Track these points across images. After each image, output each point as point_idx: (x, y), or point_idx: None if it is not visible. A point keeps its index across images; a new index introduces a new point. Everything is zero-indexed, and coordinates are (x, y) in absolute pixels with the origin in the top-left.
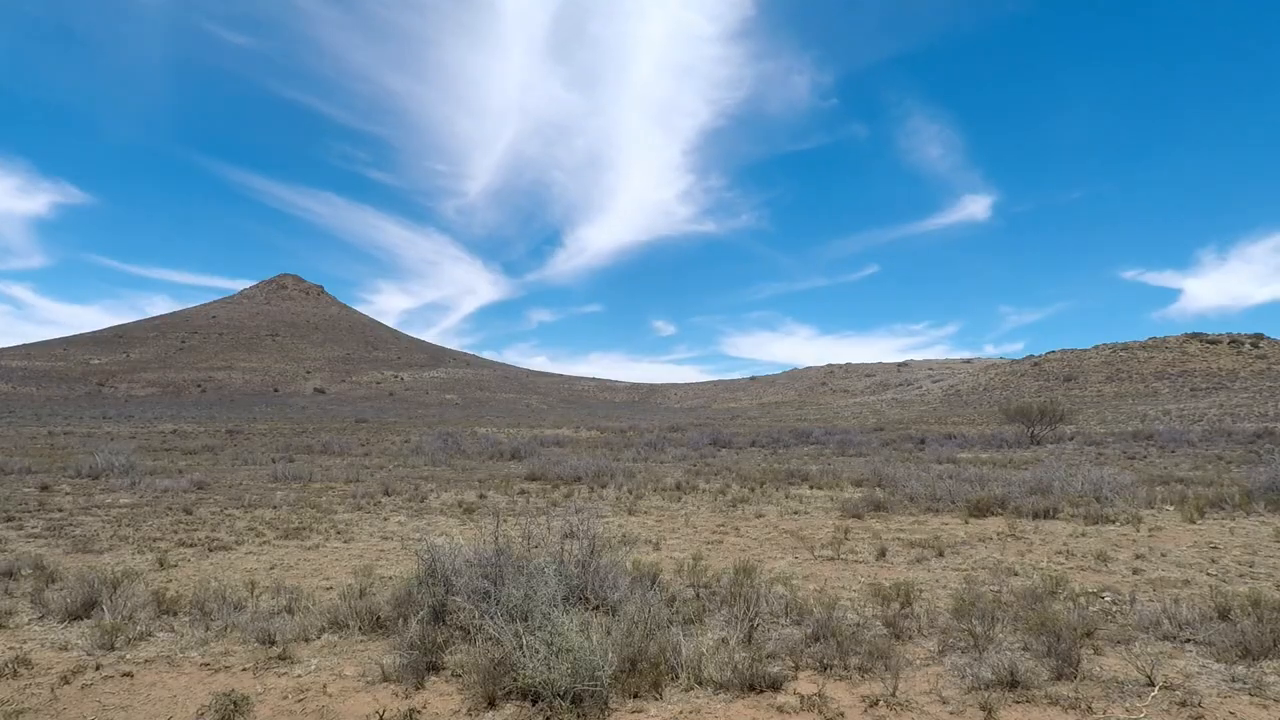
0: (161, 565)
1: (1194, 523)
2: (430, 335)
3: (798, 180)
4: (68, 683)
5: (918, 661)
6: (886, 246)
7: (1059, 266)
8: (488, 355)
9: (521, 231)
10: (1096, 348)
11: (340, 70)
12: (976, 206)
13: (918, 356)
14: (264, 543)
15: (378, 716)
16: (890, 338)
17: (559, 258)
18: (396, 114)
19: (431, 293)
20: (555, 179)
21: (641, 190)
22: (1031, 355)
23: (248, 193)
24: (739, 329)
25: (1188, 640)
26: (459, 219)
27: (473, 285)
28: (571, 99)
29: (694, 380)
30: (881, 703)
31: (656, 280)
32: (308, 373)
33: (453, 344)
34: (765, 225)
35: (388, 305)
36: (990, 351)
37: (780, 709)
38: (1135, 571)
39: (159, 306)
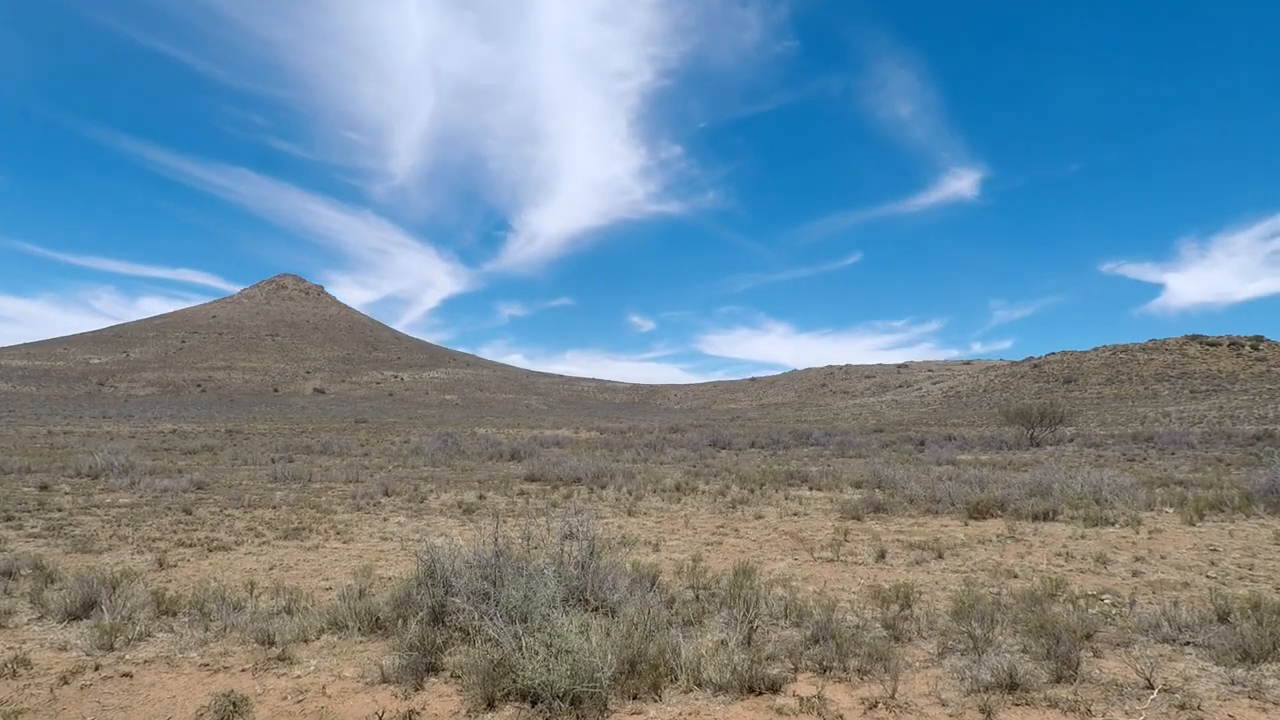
0: (161, 565)
1: (1194, 525)
2: (396, 330)
3: (761, 150)
4: (67, 683)
5: (917, 664)
6: (866, 230)
7: (1049, 256)
8: (461, 351)
9: (466, 216)
10: (1096, 349)
11: (210, 17)
12: (962, 183)
13: (898, 355)
14: (263, 543)
15: (377, 717)
16: (871, 335)
17: (513, 245)
18: (288, 74)
19: (388, 284)
20: (491, 152)
21: (590, 166)
22: (1031, 357)
23: (139, 162)
24: (715, 325)
25: (1187, 643)
26: (394, 201)
27: (430, 276)
28: (488, 54)
29: (673, 381)
30: (881, 705)
31: (624, 271)
32: (308, 373)
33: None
34: (732, 205)
35: (346, 298)
36: (978, 350)
37: (780, 711)
38: (1135, 574)
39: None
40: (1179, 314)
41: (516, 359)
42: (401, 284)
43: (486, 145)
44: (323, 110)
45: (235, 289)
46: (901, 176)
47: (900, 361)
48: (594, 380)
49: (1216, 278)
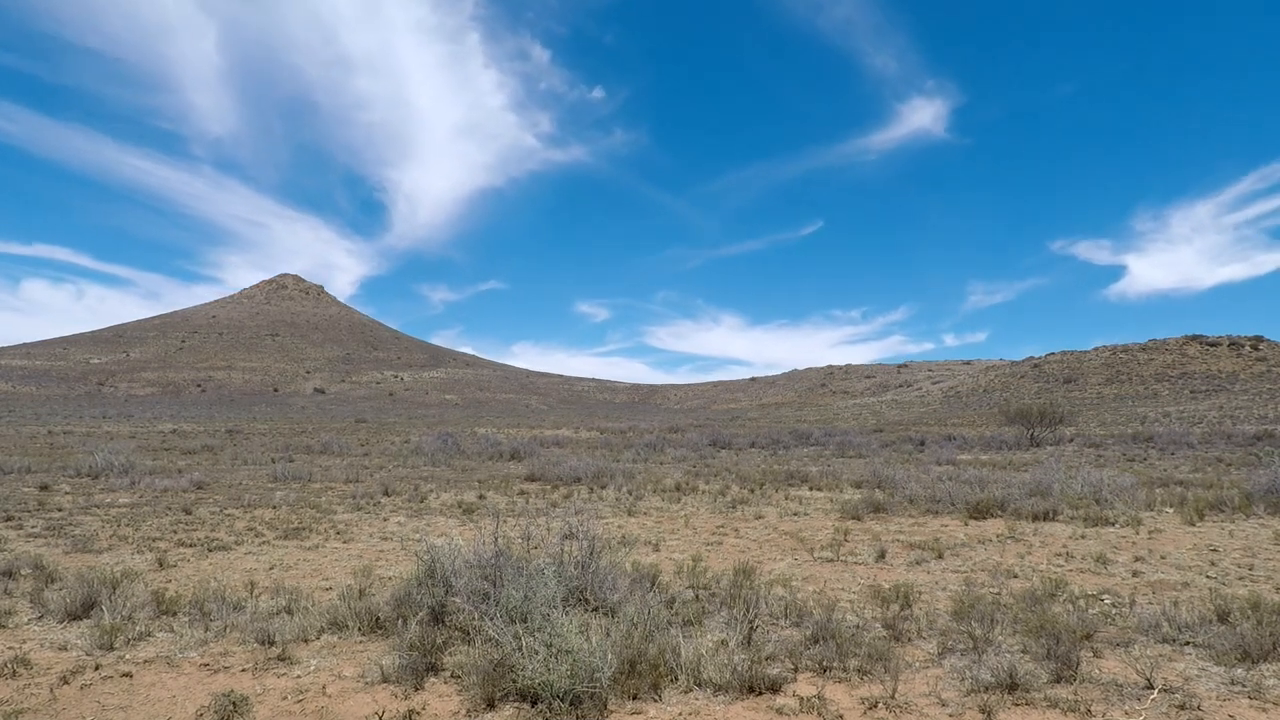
0: (161, 565)
1: (1194, 525)
2: (396, 330)
3: (663, 55)
4: (67, 683)
5: (917, 663)
6: (818, 181)
7: (1031, 226)
8: (461, 351)
9: (325, 173)
10: (1096, 349)
11: None
12: (924, 114)
13: (863, 351)
14: (263, 543)
15: (377, 717)
16: (830, 326)
17: (399, 213)
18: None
19: (282, 266)
20: (315, 82)
21: (452, 100)
22: (1032, 356)
23: None
24: (662, 316)
25: (1187, 643)
26: (230, 153)
27: (327, 255)
28: None
29: (612, 376)
30: (881, 705)
31: (543, 244)
32: (308, 373)
33: None
34: (645, 146)
35: (244, 281)
36: (951, 343)
37: (779, 711)
38: (1135, 574)
39: None
40: (1142, 299)
41: (470, 350)
42: (299, 264)
43: (308, 77)
44: (53, 20)
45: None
46: (855, 104)
47: (900, 362)
48: (594, 380)
49: (1182, 262)
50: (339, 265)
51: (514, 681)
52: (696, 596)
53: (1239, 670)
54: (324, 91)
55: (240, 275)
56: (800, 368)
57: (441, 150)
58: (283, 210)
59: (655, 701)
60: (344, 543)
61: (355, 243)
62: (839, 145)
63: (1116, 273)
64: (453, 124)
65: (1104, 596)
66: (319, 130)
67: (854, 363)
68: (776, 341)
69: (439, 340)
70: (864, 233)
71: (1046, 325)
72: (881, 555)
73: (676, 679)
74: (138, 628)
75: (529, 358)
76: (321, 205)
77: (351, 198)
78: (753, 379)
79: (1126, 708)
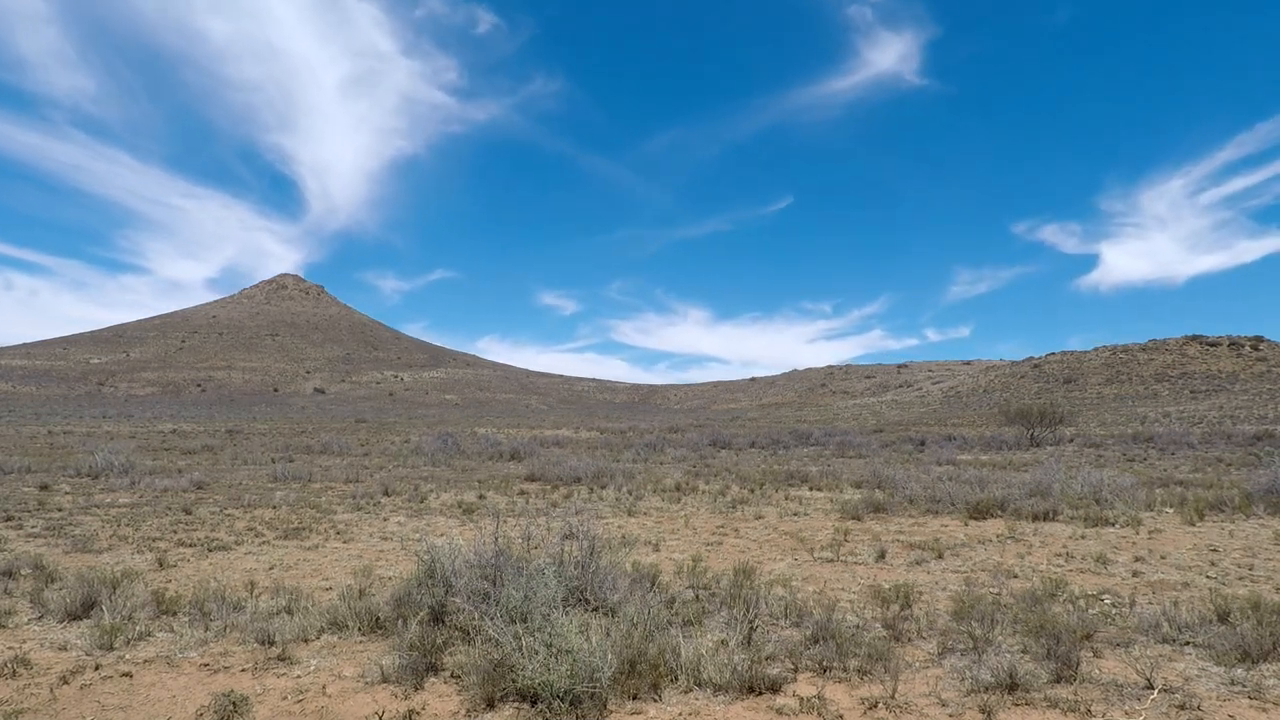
0: (161, 565)
1: (1194, 525)
2: (396, 330)
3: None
4: (67, 683)
5: (917, 664)
6: (769, 138)
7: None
8: (461, 351)
9: (210, 141)
10: (1096, 350)
11: None
12: (890, 54)
13: (842, 347)
14: (263, 543)
15: (377, 717)
16: (803, 320)
17: (313, 191)
18: None
19: (210, 253)
20: (178, 23)
21: (332, 46)
22: (1032, 357)
23: None
24: (624, 308)
25: (1187, 643)
26: (92, 114)
27: (256, 243)
28: None
29: (576, 373)
30: (881, 705)
31: (483, 221)
32: (308, 373)
33: None
34: (574, 97)
35: (181, 275)
36: (934, 338)
37: (779, 711)
38: (1135, 574)
39: None
40: (1114, 290)
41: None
42: (228, 250)
43: (165, 26)
44: None
45: None
46: (814, 40)
47: (900, 362)
48: (594, 380)
49: (1157, 249)
50: (271, 252)
51: (514, 681)
52: (696, 596)
53: (1239, 670)
54: (173, 33)
55: (172, 266)
56: (800, 368)
57: (336, 112)
58: (187, 188)
59: (655, 701)
60: (344, 543)
61: (279, 224)
62: (796, 92)
63: (1088, 262)
64: (341, 77)
65: (1104, 596)
66: (185, 88)
67: (836, 361)
68: (749, 338)
69: (412, 329)
70: (835, 208)
71: (1027, 320)
72: (881, 555)
73: (676, 679)
74: (138, 628)
75: (498, 354)
76: (225, 180)
77: (255, 173)
78: (753, 379)
79: (1126, 708)
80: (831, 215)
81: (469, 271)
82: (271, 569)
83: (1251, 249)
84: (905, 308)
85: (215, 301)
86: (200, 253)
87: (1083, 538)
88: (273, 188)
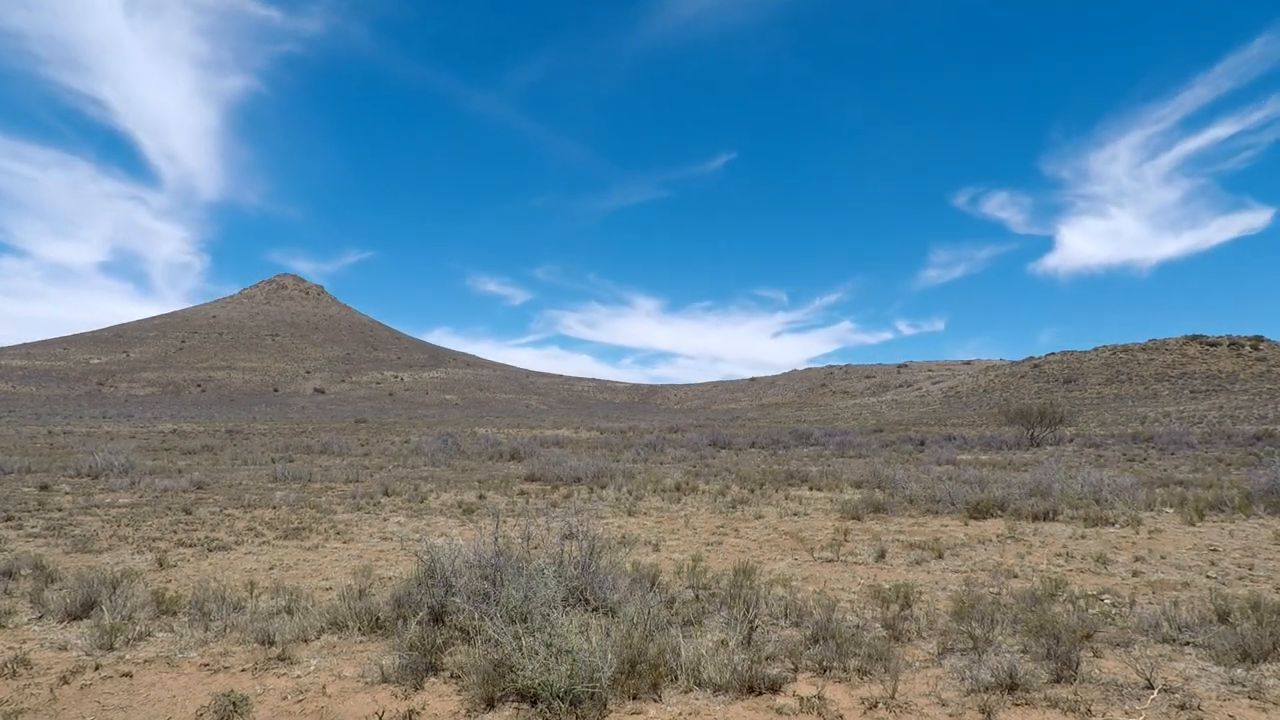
0: (161, 565)
1: (1194, 525)
2: (396, 330)
3: None
4: (67, 683)
5: (917, 663)
6: (671, 58)
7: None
8: (461, 351)
9: (14, 89)
10: (1096, 349)
11: None
12: None
13: (808, 342)
14: (263, 543)
15: (377, 717)
16: (762, 312)
17: (150, 149)
18: None
19: (92, 234)
20: None
21: None
22: (1032, 356)
23: None
24: (565, 296)
25: (1187, 643)
26: None
27: (132, 219)
28: None
29: (551, 370)
30: (881, 705)
31: (366, 176)
32: (308, 373)
33: None
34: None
35: (66, 258)
36: (906, 331)
37: (779, 711)
38: (1135, 574)
39: None
40: (1077, 272)
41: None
42: (104, 227)
43: None
44: None
45: None
46: None
47: (900, 362)
48: (594, 380)
49: (1128, 228)
50: (154, 230)
51: (514, 681)
52: (696, 596)
53: (1239, 670)
54: None
55: (50, 247)
56: (800, 368)
57: (128, 35)
58: (42, 153)
59: (655, 701)
60: (344, 543)
61: (144, 193)
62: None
63: (1044, 245)
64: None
65: (1104, 596)
66: None
67: (806, 358)
68: (705, 331)
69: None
70: (782, 166)
71: (1001, 311)
72: (881, 555)
73: (676, 679)
74: (138, 628)
75: (455, 349)
76: (40, 134)
77: (72, 126)
78: (753, 379)
79: (1126, 708)
80: (778, 174)
81: (387, 251)
82: (271, 569)
83: (1223, 227)
84: (872, 296)
85: (215, 301)
86: (74, 231)
87: (1083, 538)
88: (109, 149)
